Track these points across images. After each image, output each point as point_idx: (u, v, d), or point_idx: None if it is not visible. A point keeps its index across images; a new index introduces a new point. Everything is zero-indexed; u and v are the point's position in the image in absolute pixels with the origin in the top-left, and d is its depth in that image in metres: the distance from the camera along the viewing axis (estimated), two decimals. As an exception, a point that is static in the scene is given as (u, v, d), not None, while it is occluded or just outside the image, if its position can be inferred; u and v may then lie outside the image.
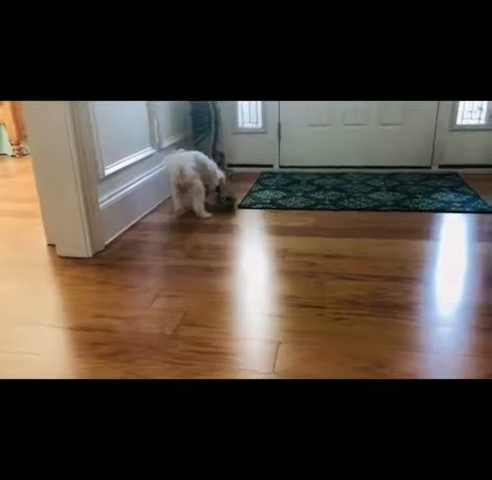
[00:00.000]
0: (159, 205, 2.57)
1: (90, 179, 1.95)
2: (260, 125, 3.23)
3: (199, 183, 2.26)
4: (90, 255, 1.97)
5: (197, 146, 2.75)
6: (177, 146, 2.63)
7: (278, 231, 2.17)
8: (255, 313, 1.51)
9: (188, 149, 2.45)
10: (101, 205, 2.03)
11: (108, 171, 2.08)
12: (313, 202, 2.54)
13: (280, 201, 2.58)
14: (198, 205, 2.29)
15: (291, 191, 2.75)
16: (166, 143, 2.67)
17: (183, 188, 2.26)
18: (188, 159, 2.25)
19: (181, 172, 2.20)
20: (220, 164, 2.69)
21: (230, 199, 2.41)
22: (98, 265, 1.88)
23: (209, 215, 2.31)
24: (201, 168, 2.30)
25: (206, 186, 2.35)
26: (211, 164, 2.41)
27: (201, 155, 2.35)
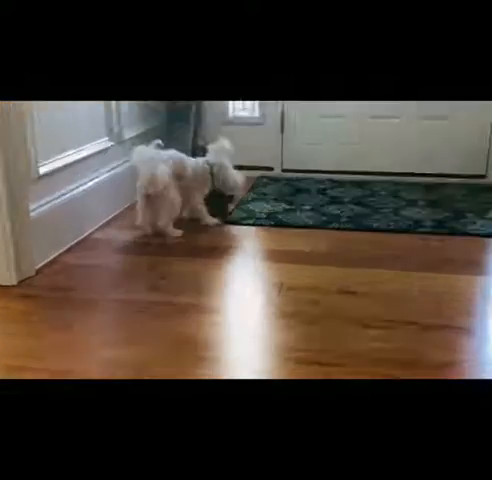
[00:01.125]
0: (116, 216, 2.58)
1: (18, 179, 1.92)
2: (257, 113, 3.27)
3: (173, 195, 2.32)
4: (14, 282, 1.93)
5: (172, 139, 2.77)
6: (145, 138, 2.61)
7: (274, 257, 2.17)
8: (236, 371, 1.47)
9: (163, 141, 2.46)
10: (33, 214, 2.00)
11: (44, 168, 2.07)
12: (325, 219, 2.57)
13: (280, 216, 2.61)
14: (165, 221, 2.33)
15: (296, 203, 2.80)
16: (129, 133, 2.69)
17: (152, 198, 2.29)
18: (165, 160, 2.29)
19: (152, 177, 2.23)
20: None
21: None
22: (24, 297, 1.85)
23: (178, 234, 2.35)
24: (194, 176, 2.38)
25: (188, 198, 2.43)
26: (223, 164, 2.47)
27: (190, 160, 2.41)
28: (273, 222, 2.55)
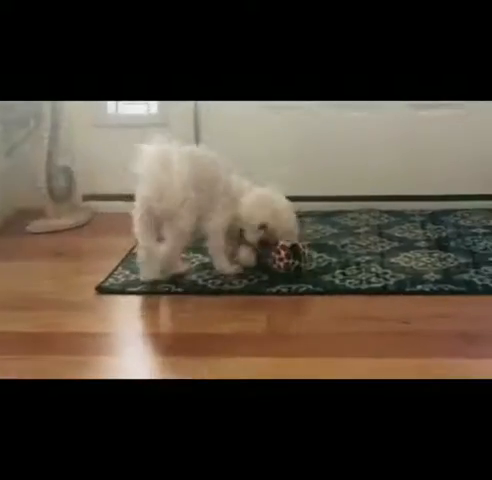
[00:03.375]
0: None
1: None
2: (155, 110, 2.90)
3: (188, 219, 2.07)
4: None
5: (10, 157, 2.55)
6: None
7: (194, 347, 1.84)
8: None
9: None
10: None
11: None
12: (266, 278, 2.23)
13: (196, 278, 2.28)
14: (170, 258, 2.09)
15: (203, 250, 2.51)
16: None
17: (158, 219, 2.09)
18: (183, 158, 2.04)
19: (159, 184, 2.02)
20: (68, 196, 2.62)
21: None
22: None
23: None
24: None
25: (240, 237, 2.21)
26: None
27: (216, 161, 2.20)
28: (181, 287, 2.15)
